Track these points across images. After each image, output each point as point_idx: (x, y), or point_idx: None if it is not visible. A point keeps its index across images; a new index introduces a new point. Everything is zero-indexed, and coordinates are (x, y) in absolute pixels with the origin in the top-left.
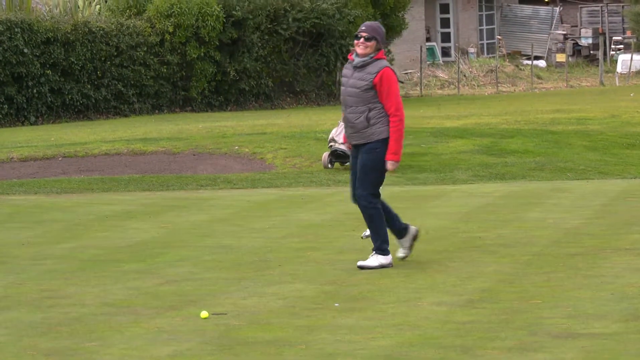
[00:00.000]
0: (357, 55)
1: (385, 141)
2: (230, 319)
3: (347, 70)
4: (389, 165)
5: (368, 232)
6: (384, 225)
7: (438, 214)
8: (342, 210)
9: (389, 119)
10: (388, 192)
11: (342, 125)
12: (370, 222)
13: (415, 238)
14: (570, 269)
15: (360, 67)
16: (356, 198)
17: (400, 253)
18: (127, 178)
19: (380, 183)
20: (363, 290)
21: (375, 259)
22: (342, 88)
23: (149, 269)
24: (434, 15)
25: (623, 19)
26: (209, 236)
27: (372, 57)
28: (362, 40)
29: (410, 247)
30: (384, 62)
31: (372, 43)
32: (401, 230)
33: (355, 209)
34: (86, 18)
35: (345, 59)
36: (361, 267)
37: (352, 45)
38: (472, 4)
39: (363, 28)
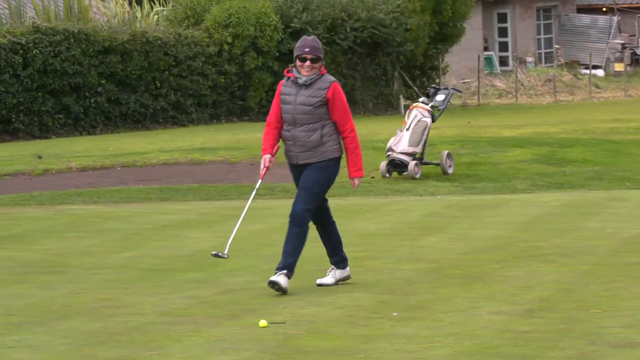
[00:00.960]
0: (300, 75)
1: (337, 160)
2: (288, 328)
3: (288, 88)
4: (357, 181)
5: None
6: (302, 246)
7: (496, 223)
8: (401, 219)
9: (346, 134)
10: (445, 202)
11: (400, 134)
12: (297, 238)
13: (345, 279)
14: (629, 278)
15: (308, 85)
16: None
17: (327, 280)
18: (185, 188)
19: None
20: (421, 299)
21: (285, 279)
22: (288, 106)
23: (208, 278)
24: (492, 24)
25: None
26: (267, 245)
27: (318, 74)
28: (307, 62)
29: (336, 282)
30: (331, 77)
31: (318, 64)
32: (343, 260)
33: (414, 218)
34: (144, 28)
35: (402, 68)
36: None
37: (409, 55)
38: (530, 13)
39: (307, 50)
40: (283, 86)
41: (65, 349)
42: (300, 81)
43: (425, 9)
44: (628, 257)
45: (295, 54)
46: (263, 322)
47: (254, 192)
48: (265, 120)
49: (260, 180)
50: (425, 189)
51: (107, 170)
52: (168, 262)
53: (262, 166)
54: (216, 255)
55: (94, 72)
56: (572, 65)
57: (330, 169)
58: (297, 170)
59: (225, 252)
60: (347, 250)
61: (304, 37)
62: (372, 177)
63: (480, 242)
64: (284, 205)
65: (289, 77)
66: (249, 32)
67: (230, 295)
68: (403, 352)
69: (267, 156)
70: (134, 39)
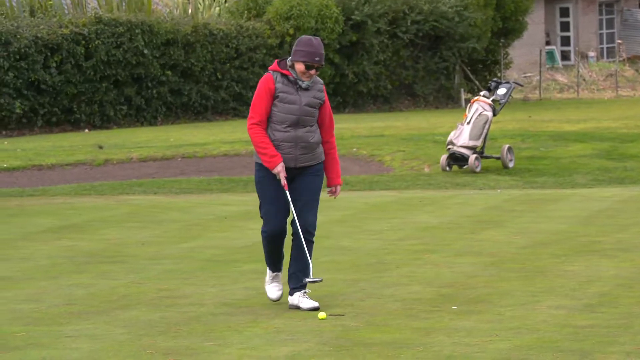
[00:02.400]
0: (298, 76)
1: (322, 164)
2: (347, 320)
3: (285, 86)
4: (339, 189)
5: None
6: None
7: (557, 217)
8: (460, 212)
9: (331, 139)
10: (505, 196)
11: (460, 127)
12: (310, 251)
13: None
14: None
15: (306, 87)
16: (303, 229)
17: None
18: (245, 179)
19: None
20: (481, 293)
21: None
22: (293, 107)
23: (265, 269)
24: (554, 19)
25: None
26: (327, 237)
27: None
28: (313, 71)
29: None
30: (318, 77)
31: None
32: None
33: (474, 211)
34: (206, 20)
35: (464, 62)
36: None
37: (472, 50)
38: (592, 7)
39: (318, 59)
40: (278, 83)
41: (124, 339)
42: (303, 85)
43: (488, 4)
44: None
45: (301, 58)
46: (322, 314)
47: (292, 206)
48: None
49: (287, 191)
50: (485, 182)
51: (167, 161)
52: (228, 253)
53: (282, 180)
54: (312, 282)
55: (157, 64)
56: (634, 60)
57: (322, 174)
58: (288, 174)
59: (314, 277)
60: (407, 243)
61: (310, 40)
62: (428, 168)
63: (540, 236)
64: (344, 198)
65: (283, 74)
66: (310, 25)
67: (289, 287)
68: (462, 346)
69: (282, 164)
70: (197, 30)
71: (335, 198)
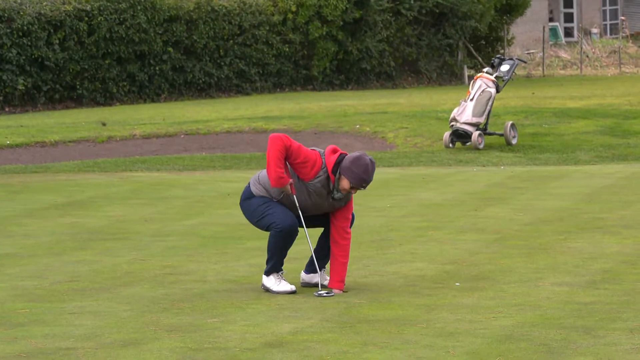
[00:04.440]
0: (338, 187)
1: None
2: (351, 297)
3: (318, 188)
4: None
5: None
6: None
7: (560, 194)
8: (464, 189)
9: (347, 234)
10: (509, 172)
11: (463, 104)
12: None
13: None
14: None
15: (334, 196)
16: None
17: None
18: (248, 156)
19: None
20: (484, 270)
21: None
22: (311, 204)
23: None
24: None
25: None
26: None
27: None
28: (355, 191)
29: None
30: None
31: None
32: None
33: (477, 188)
34: None
35: (467, 39)
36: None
37: (476, 27)
38: None
39: (365, 185)
40: (318, 179)
41: (128, 316)
42: (336, 196)
43: None
44: None
45: (352, 180)
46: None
47: (301, 215)
48: (328, 90)
49: (294, 195)
50: (488, 159)
51: (171, 138)
52: (231, 230)
53: (289, 189)
54: (320, 296)
55: (159, 40)
56: (638, 37)
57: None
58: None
59: (324, 291)
60: (410, 220)
61: (368, 167)
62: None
63: (543, 213)
64: None
65: (328, 176)
66: (313, 1)
67: (292, 263)
68: (465, 322)
69: (288, 185)
70: (199, 7)
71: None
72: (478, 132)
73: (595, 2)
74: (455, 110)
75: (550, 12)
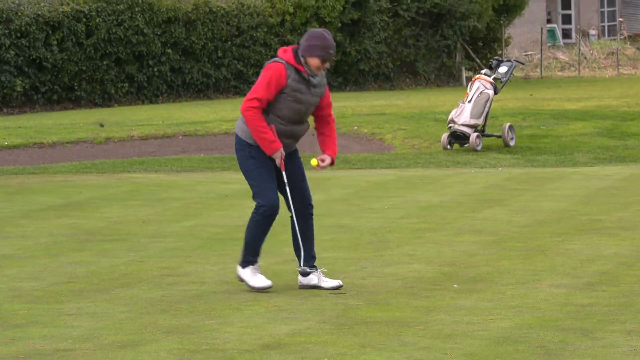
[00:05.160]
0: (311, 72)
1: None
2: (348, 299)
3: (298, 84)
4: (328, 161)
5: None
6: None
7: (558, 196)
8: (461, 191)
9: (332, 117)
10: (506, 174)
11: (461, 106)
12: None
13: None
14: None
15: (316, 84)
16: (304, 206)
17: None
18: None
19: None
20: (482, 272)
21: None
22: (300, 106)
23: (268, 248)
24: None
25: None
26: (328, 216)
27: None
28: (327, 64)
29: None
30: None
31: None
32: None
33: (475, 190)
34: None
35: (465, 40)
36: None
37: (474, 28)
38: None
39: (332, 52)
40: (290, 79)
41: (125, 317)
42: (314, 81)
43: None
44: None
45: (317, 52)
46: (314, 161)
47: (287, 189)
48: None
49: (284, 172)
50: (486, 161)
51: (168, 139)
52: (229, 232)
53: (279, 161)
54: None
55: (158, 42)
56: (635, 38)
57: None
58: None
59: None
60: (408, 221)
61: (322, 33)
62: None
63: (541, 214)
64: (345, 176)
65: (297, 70)
66: (310, 3)
67: (290, 265)
68: (463, 324)
69: (281, 149)
70: (197, 9)
71: (319, 169)
72: (476, 133)
73: (593, 4)
74: (453, 112)
75: (548, 13)
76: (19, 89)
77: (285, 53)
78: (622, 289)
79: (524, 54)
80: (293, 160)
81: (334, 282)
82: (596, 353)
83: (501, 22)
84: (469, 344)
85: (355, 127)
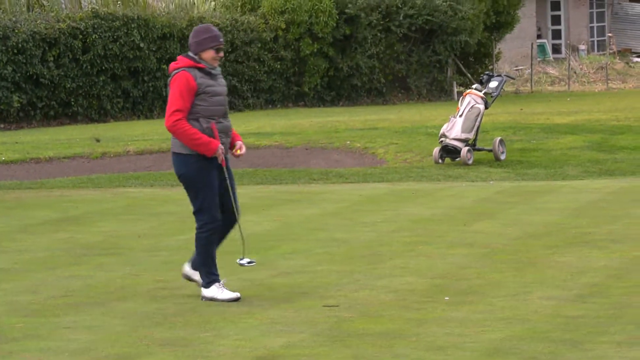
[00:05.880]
0: (209, 65)
1: None
2: (342, 311)
3: (205, 79)
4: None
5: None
6: None
7: (548, 209)
8: (453, 204)
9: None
10: (497, 188)
11: (453, 120)
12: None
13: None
14: None
15: (217, 75)
16: (232, 218)
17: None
18: (240, 172)
19: None
20: (473, 284)
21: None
22: (220, 98)
23: (262, 261)
24: (545, 13)
25: None
26: (321, 229)
27: None
28: (221, 53)
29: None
30: None
31: None
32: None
33: (467, 203)
34: (201, 14)
35: (456, 55)
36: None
37: (465, 44)
38: (583, 1)
39: (222, 40)
40: (197, 78)
41: (121, 330)
42: (215, 72)
43: None
44: None
45: (210, 44)
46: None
47: (228, 180)
48: (319, 106)
49: (225, 168)
50: (477, 174)
51: (164, 154)
52: (224, 245)
53: (221, 157)
54: (247, 264)
55: (153, 57)
56: (624, 53)
57: None
58: (216, 165)
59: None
60: (400, 235)
61: (207, 26)
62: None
63: (531, 227)
64: (338, 190)
65: (199, 68)
66: (303, 18)
67: (284, 278)
68: (454, 336)
69: (220, 145)
70: (192, 24)
71: (242, 155)
72: (467, 147)
73: (583, 19)
74: (444, 126)
75: (539, 29)
76: (16, 105)
77: (179, 62)
78: (611, 301)
79: (515, 68)
80: (226, 168)
81: (232, 294)
82: None
83: (492, 37)
84: (460, 356)
85: (348, 142)
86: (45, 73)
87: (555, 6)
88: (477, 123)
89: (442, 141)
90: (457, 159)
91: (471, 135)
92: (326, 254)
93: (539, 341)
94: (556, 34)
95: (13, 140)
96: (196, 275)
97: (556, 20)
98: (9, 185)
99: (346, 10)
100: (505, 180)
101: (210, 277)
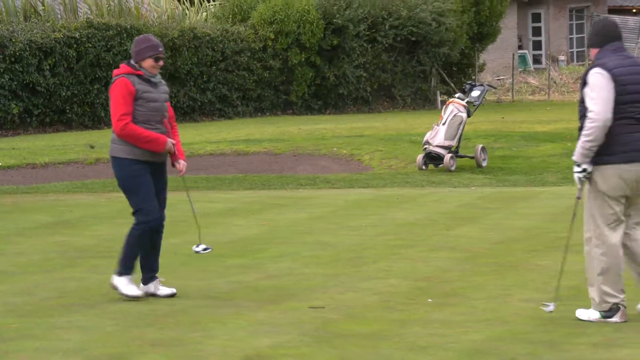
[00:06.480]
0: (149, 73)
1: None
2: (327, 313)
3: (143, 86)
4: (184, 165)
5: None
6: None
7: (528, 214)
8: (436, 209)
9: (174, 124)
10: (479, 193)
11: (436, 128)
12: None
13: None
14: None
15: (157, 83)
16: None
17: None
18: (230, 177)
19: None
20: (455, 286)
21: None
22: (157, 104)
23: (251, 264)
24: (526, 24)
25: None
26: (308, 233)
27: None
28: (161, 62)
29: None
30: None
31: None
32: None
33: (449, 208)
34: (193, 24)
35: (440, 65)
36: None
37: (447, 55)
38: (563, 13)
39: (161, 49)
40: (137, 85)
41: (114, 330)
42: (155, 79)
43: (466, 10)
44: None
45: (149, 53)
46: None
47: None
48: (307, 114)
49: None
50: (459, 180)
51: None
52: (213, 248)
53: (174, 149)
54: (202, 251)
55: None
56: None
57: None
58: (153, 168)
59: (202, 245)
60: (384, 239)
61: (147, 36)
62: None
63: (512, 232)
64: (325, 196)
65: (138, 75)
66: (291, 29)
67: (272, 280)
68: (437, 337)
69: (170, 140)
70: (183, 35)
71: (183, 176)
72: (450, 154)
73: (563, 31)
74: (428, 134)
75: (520, 40)
76: (13, 112)
77: (120, 69)
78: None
79: (496, 78)
80: (162, 173)
81: (169, 290)
82: None
83: (475, 48)
84: (442, 356)
85: (335, 149)
86: (41, 81)
87: (536, 18)
88: (459, 131)
89: (425, 148)
90: (440, 166)
91: (454, 143)
92: (313, 257)
93: (518, 342)
94: (537, 45)
95: (10, 147)
96: (153, 288)
97: (537, 31)
98: (6, 189)
99: (334, 21)
100: (487, 186)
101: (125, 269)
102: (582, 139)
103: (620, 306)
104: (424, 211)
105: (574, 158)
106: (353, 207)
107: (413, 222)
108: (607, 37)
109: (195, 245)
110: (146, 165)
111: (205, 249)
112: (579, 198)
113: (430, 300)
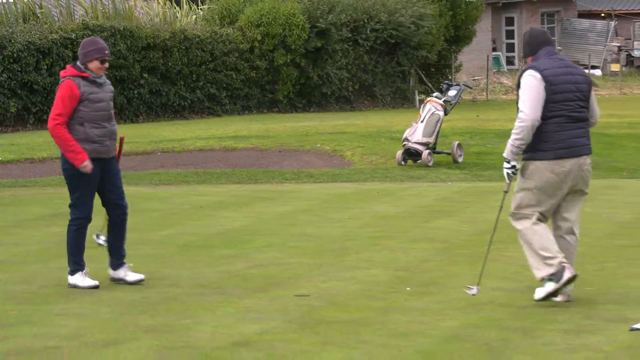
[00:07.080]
0: (95, 74)
1: None
2: (312, 301)
3: (88, 87)
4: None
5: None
6: None
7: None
8: (415, 203)
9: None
10: (455, 188)
11: (415, 126)
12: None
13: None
14: (621, 259)
15: (102, 83)
16: (120, 212)
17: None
18: (219, 172)
19: None
20: (433, 276)
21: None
22: (103, 104)
23: (239, 254)
24: (500, 27)
25: None
26: (293, 225)
27: None
28: (107, 64)
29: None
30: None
31: None
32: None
33: (427, 202)
34: (183, 26)
35: (418, 66)
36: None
37: (425, 57)
38: (535, 17)
39: (107, 52)
40: (82, 87)
41: (108, 317)
42: (100, 80)
43: (443, 14)
44: (620, 240)
45: (96, 55)
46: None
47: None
48: (292, 112)
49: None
50: (437, 175)
51: (148, 155)
52: (203, 239)
53: (88, 168)
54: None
55: (138, 66)
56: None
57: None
58: (101, 165)
59: (102, 237)
60: (366, 230)
61: (94, 39)
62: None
63: (486, 224)
64: (309, 189)
65: (83, 77)
66: (277, 31)
67: (259, 269)
68: (416, 324)
69: (88, 159)
70: (174, 36)
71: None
72: (428, 150)
73: None
74: (407, 131)
75: (494, 42)
76: (12, 110)
77: (67, 71)
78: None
79: (472, 78)
80: (114, 165)
81: (138, 276)
82: (536, 350)
83: (452, 50)
84: (421, 342)
85: (318, 145)
86: (39, 80)
87: (510, 21)
88: (437, 128)
89: (404, 145)
90: (419, 161)
91: (431, 140)
92: (298, 247)
93: (492, 329)
94: (510, 47)
95: (9, 142)
96: (122, 273)
97: (510, 34)
98: (5, 183)
99: (317, 24)
100: (463, 180)
101: (75, 265)
102: (512, 137)
103: (564, 264)
104: (403, 204)
105: (504, 155)
106: (336, 200)
107: (393, 215)
108: (537, 45)
109: (95, 234)
110: (92, 162)
111: (106, 241)
112: (506, 191)
113: (409, 288)
